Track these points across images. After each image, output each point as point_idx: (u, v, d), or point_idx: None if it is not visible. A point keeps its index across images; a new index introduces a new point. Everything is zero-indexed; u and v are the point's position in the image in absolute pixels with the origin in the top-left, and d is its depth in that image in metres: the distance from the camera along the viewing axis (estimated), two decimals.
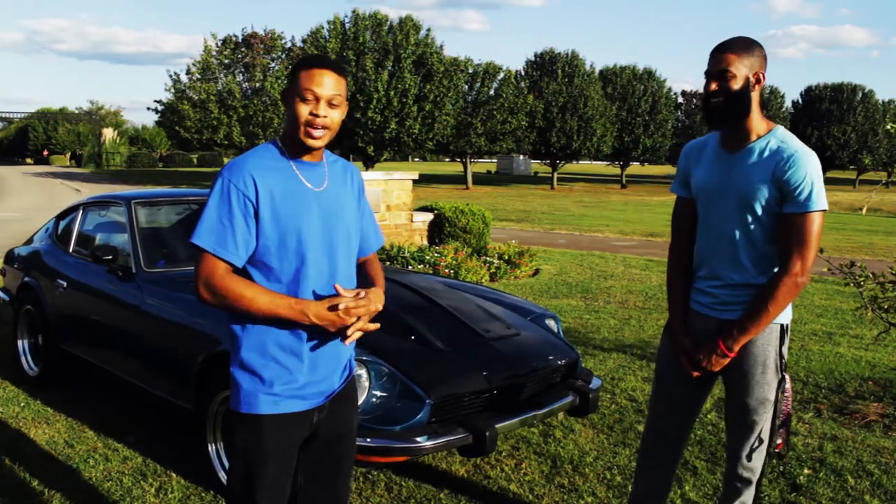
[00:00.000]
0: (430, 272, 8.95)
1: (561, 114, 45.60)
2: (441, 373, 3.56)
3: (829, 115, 61.32)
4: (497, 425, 3.44)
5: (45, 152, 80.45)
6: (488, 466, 4.05)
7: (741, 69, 2.51)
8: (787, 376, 2.67)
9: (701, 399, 2.89)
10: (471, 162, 46.29)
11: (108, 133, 71.80)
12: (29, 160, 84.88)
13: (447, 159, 61.44)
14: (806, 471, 4.04)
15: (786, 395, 2.67)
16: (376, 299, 2.21)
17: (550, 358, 3.98)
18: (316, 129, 2.11)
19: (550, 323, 4.56)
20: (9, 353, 5.81)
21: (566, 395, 3.88)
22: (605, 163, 66.12)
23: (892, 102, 64.75)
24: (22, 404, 4.93)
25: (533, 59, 49.15)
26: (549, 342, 4.18)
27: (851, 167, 64.04)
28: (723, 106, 2.54)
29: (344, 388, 2.31)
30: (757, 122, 2.59)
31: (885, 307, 5.34)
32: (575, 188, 49.27)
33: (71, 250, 5.24)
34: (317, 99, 2.09)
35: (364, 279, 2.36)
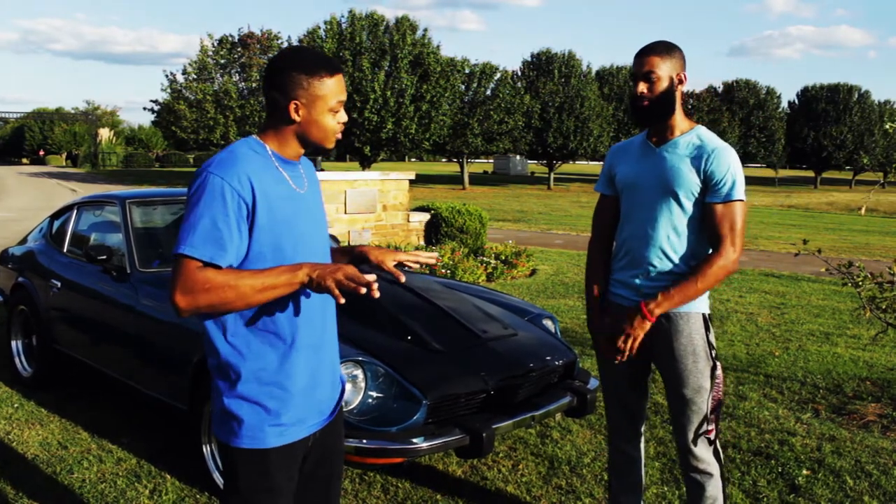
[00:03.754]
0: (427, 272, 8.92)
1: (557, 114, 45.57)
2: (438, 373, 3.54)
3: (825, 115, 61.39)
4: (494, 426, 3.42)
5: (42, 152, 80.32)
6: (485, 467, 4.03)
7: (665, 70, 2.67)
8: (718, 364, 2.76)
9: (644, 386, 2.98)
10: (467, 162, 46.26)
11: (105, 133, 71.68)
12: (25, 160, 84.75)
13: (444, 159, 61.49)
14: (804, 471, 4.02)
15: (717, 382, 2.75)
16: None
17: (548, 358, 3.95)
18: (340, 133, 2.04)
19: (548, 323, 4.54)
20: (2, 354, 5.77)
21: (564, 396, 3.86)
22: (601, 163, 66.20)
23: (889, 103, 64.86)
24: (15, 405, 4.90)
25: (529, 59, 49.13)
26: (546, 342, 4.15)
27: (847, 167, 64.15)
28: (650, 107, 2.68)
29: (339, 405, 2.21)
30: (680, 119, 2.74)
31: (883, 307, 5.33)
32: (572, 188, 49.27)
33: (65, 250, 5.20)
34: (341, 107, 2.01)
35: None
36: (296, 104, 1.95)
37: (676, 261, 2.72)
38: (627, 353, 2.75)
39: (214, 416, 2.02)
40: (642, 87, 2.66)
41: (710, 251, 2.67)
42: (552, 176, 49.79)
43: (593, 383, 4.13)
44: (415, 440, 3.25)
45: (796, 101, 64.58)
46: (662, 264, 2.72)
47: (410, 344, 3.70)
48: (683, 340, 2.72)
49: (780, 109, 62.12)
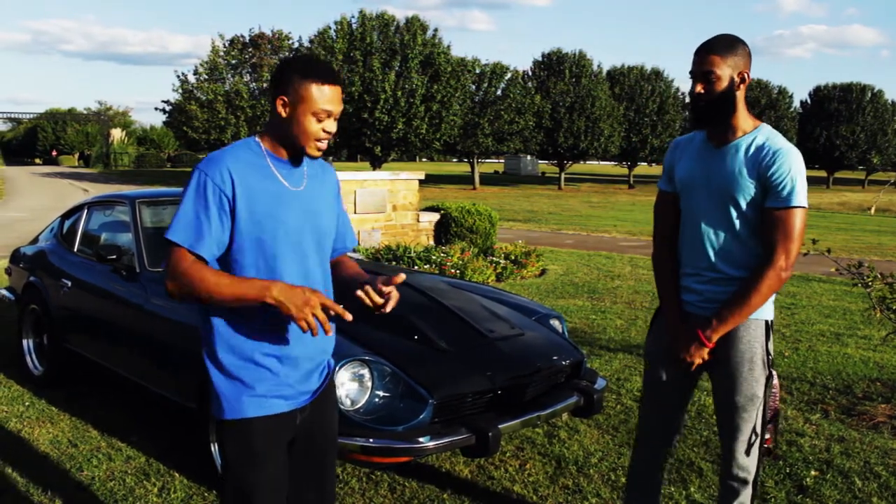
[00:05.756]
0: (436, 272, 8.93)
1: (568, 114, 45.52)
2: (444, 373, 3.54)
3: (837, 115, 61.04)
4: (501, 426, 3.42)
5: (54, 152, 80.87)
6: (492, 467, 4.03)
7: (725, 70, 2.54)
8: (774, 372, 2.67)
9: (687, 396, 2.90)
10: (478, 162, 46.27)
11: (117, 133, 72.13)
12: (38, 160, 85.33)
13: (454, 159, 61.50)
14: (813, 472, 4.01)
15: (773, 391, 2.67)
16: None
17: (555, 358, 3.95)
18: (324, 143, 2.12)
19: (555, 323, 4.53)
20: (14, 353, 5.81)
21: (571, 396, 3.85)
22: (612, 163, 66.08)
23: None
24: (27, 403, 4.93)
25: (540, 59, 49.10)
26: (553, 342, 4.15)
27: (860, 167, 63.78)
28: (708, 107, 2.57)
29: (327, 388, 2.29)
30: (743, 119, 2.62)
31: (894, 308, 5.30)
32: (582, 188, 49.21)
33: (75, 250, 5.24)
34: (328, 116, 2.08)
35: (345, 279, 2.30)
36: (283, 100, 2.07)
37: (739, 266, 2.62)
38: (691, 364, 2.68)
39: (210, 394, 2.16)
40: (700, 88, 2.55)
41: (762, 261, 2.56)
42: (563, 176, 49.74)
43: (600, 383, 4.12)
44: (421, 439, 3.25)
45: (808, 101, 64.25)
46: (725, 270, 2.63)
47: (417, 343, 3.71)
48: (742, 347, 2.63)
49: (792, 109, 61.79)
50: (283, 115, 2.07)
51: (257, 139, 2.14)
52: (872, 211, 31.91)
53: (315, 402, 2.25)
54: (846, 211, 32.71)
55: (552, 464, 4.10)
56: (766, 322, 2.66)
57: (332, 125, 2.10)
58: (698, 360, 2.67)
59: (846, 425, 4.74)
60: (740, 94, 2.59)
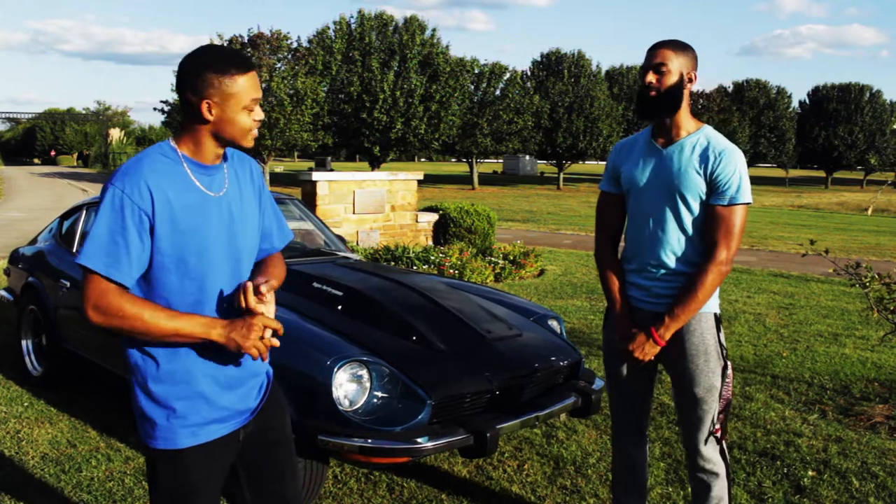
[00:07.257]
0: (435, 272, 8.94)
1: (567, 114, 45.56)
2: (442, 373, 3.55)
3: (836, 115, 61.18)
4: (499, 426, 3.43)
5: (53, 152, 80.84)
6: (490, 468, 4.04)
7: (676, 64, 2.65)
8: (728, 363, 2.78)
9: (650, 386, 3.02)
10: (477, 162, 46.25)
11: (115, 133, 72.01)
12: (36, 160, 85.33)
13: (453, 159, 61.47)
14: (810, 472, 4.02)
15: (727, 381, 2.77)
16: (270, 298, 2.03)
17: (552, 359, 3.96)
18: (256, 132, 2.01)
19: (553, 323, 4.54)
20: (13, 354, 5.82)
21: (568, 396, 3.86)
22: None
23: None
24: (25, 404, 4.94)
25: (539, 59, 49.18)
26: (551, 343, 4.16)
27: (859, 167, 63.88)
28: (657, 98, 2.66)
29: (270, 396, 2.20)
30: (686, 119, 2.73)
31: (892, 308, 5.31)
32: (581, 188, 49.18)
33: (74, 250, 5.24)
34: (256, 104, 1.98)
35: (255, 273, 2.15)
36: (208, 103, 1.92)
37: (686, 261, 2.72)
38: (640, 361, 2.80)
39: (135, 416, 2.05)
40: (651, 78, 2.64)
41: (704, 257, 2.68)
42: (561, 176, 49.75)
43: (598, 383, 4.13)
44: (419, 440, 3.26)
45: (807, 101, 64.37)
46: (672, 265, 2.73)
47: (415, 344, 3.71)
48: (695, 340, 2.74)
49: (791, 109, 61.90)
50: (211, 117, 1.93)
51: (173, 143, 1.99)
52: (870, 211, 31.94)
53: (259, 415, 2.15)
54: (844, 211, 32.72)
55: (550, 464, 4.11)
56: (715, 315, 2.78)
57: (260, 113, 1.99)
58: (649, 357, 2.77)
59: (843, 425, 4.75)
60: (686, 94, 2.70)
